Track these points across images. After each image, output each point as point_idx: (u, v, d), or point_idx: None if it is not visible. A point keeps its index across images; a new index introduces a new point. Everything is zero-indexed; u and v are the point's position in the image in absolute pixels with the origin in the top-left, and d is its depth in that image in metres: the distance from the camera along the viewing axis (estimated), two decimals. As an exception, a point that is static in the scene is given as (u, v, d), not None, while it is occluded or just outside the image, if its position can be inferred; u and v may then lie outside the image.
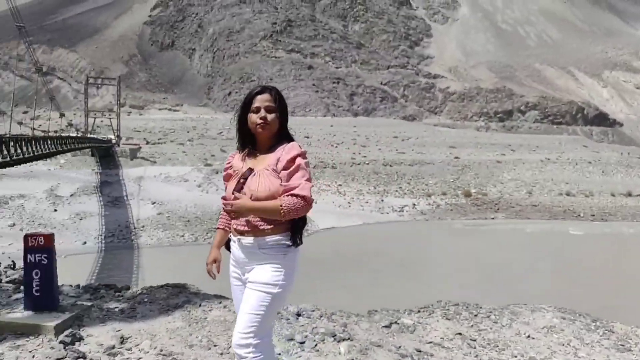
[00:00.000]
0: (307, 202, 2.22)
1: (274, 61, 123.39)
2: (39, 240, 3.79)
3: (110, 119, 69.37)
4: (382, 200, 44.02)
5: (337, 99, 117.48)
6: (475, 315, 4.82)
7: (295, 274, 2.39)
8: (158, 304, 4.26)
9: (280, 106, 2.38)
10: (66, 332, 3.40)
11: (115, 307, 4.09)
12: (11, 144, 19.88)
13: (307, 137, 74.65)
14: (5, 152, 19.28)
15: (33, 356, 3.03)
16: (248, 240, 2.33)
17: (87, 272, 26.36)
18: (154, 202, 44.78)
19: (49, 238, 3.88)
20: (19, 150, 21.74)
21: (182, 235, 38.28)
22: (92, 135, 62.36)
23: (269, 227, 2.28)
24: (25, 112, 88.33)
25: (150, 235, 38.03)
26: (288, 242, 2.35)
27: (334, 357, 3.43)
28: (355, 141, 72.96)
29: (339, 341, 3.64)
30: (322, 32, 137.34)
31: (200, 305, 4.23)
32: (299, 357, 3.39)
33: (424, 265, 24.63)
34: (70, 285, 4.97)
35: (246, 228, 2.31)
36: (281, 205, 2.20)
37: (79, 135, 58.05)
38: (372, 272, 21.73)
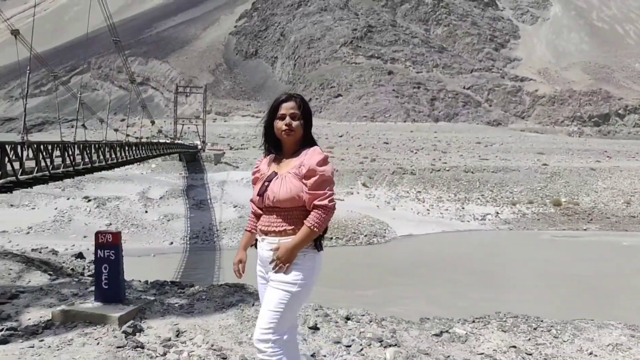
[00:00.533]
0: (328, 209, 2.35)
1: (354, 67, 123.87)
2: (108, 237, 4.08)
3: (196, 125, 72.95)
4: (463, 208, 42.74)
5: (418, 104, 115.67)
6: (535, 329, 4.52)
7: (316, 275, 2.43)
8: (214, 302, 4.43)
9: (304, 113, 2.46)
10: (129, 323, 3.64)
11: (176, 303, 4.30)
12: (107, 149, 21.51)
13: (387, 143, 74.11)
14: (101, 157, 20.91)
15: (97, 343, 3.26)
16: (271, 240, 2.38)
17: (172, 270, 27.84)
18: (236, 206, 46.48)
19: (117, 236, 4.17)
20: (114, 155, 23.49)
21: (262, 239, 39.58)
22: (180, 141, 65.89)
23: (290, 227, 2.36)
24: (123, 120, 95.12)
25: (231, 238, 39.50)
26: (310, 245, 2.41)
27: (379, 362, 3.39)
28: (435, 147, 71.40)
29: (385, 347, 3.59)
30: (403, 36, 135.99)
31: (253, 305, 4.34)
32: None
33: (502, 276, 23.57)
34: (139, 281, 5.28)
35: (270, 228, 2.38)
36: (311, 226, 2.33)
37: (168, 141, 61.57)
38: (446, 281, 21.13)
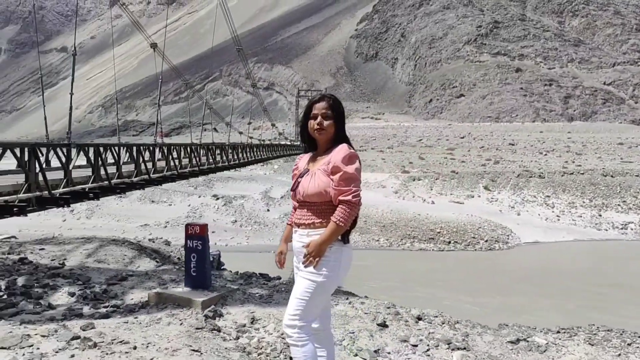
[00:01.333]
0: (352, 204, 2.42)
1: (478, 66, 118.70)
2: (196, 229, 4.43)
3: (317, 128, 75.02)
4: (600, 215, 39.04)
5: (549, 103, 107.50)
6: (629, 344, 3.98)
7: (344, 267, 2.44)
8: (288, 293, 4.59)
9: (336, 113, 2.55)
10: (210, 308, 3.93)
11: (257, 293, 4.53)
12: (229, 150, 23.07)
13: (512, 144, 69.99)
14: (224, 158, 22.48)
15: (180, 323, 3.57)
16: (302, 232, 2.47)
17: (288, 267, 28.91)
18: (351, 207, 47.19)
19: (204, 228, 4.50)
20: (236, 156, 25.12)
21: (378, 240, 39.48)
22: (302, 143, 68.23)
23: (318, 220, 2.43)
24: (250, 123, 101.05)
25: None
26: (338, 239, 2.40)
27: (444, 365, 3.26)
28: (569, 148, 65.86)
29: (453, 349, 3.43)
30: (533, 31, 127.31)
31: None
32: (408, 359, 3.30)
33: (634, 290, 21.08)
34: (230, 271, 5.63)
35: (300, 221, 2.47)
36: (336, 221, 2.41)
37: (289, 143, 64.10)
38: (580, 292, 19.44)
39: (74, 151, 11.23)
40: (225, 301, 4.21)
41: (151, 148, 15.16)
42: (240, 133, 42.99)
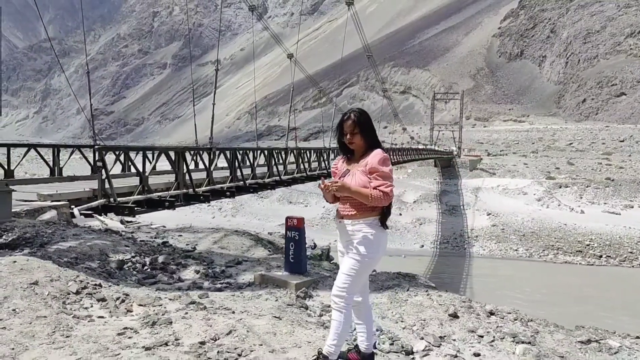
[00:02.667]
0: (388, 196, 2.94)
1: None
2: (294, 221, 5.11)
3: (452, 131, 73.02)
4: None
5: None
6: None
7: (382, 250, 3.08)
8: (376, 284, 4.96)
9: (361, 127, 3.04)
10: (302, 289, 4.55)
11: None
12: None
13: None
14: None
15: (275, 300, 4.21)
16: (346, 221, 2.97)
17: (419, 272, 28.60)
18: (489, 214, 45.09)
19: (300, 221, 5.17)
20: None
21: (516, 250, 37.39)
22: (435, 147, 66.99)
23: (357, 212, 2.92)
24: (385, 127, 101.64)
25: (482, 246, 38.57)
26: (373, 225, 3.00)
27: (506, 356, 3.38)
28: None
29: (517, 343, 3.53)
30: None
31: (407, 290, 4.72)
32: (472, 347, 3.50)
33: None
34: (329, 261, 6.21)
35: (343, 212, 3.00)
36: (371, 195, 2.92)
37: (424, 147, 63.26)
38: None
39: (215, 154, 12.87)
40: (317, 285, 4.81)
41: (282, 152, 16.46)
42: (383, 141, 43.67)
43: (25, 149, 12.35)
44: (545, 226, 41.20)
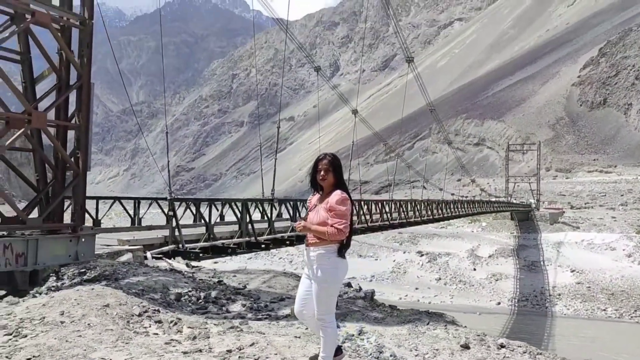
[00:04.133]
0: (342, 232, 3.50)
1: None
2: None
3: (530, 183, 70.64)
4: None
5: None
6: None
7: (341, 273, 3.65)
8: (400, 318, 5.38)
9: (333, 167, 3.65)
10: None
11: (373, 315, 5.48)
12: (423, 206, 24.08)
13: None
14: (418, 213, 23.55)
15: (306, 328, 4.82)
16: (310, 248, 3.67)
17: (495, 331, 27.26)
18: (574, 270, 42.70)
19: None
20: (433, 212, 25.98)
21: (604, 309, 34.84)
22: (511, 200, 64.96)
23: (318, 241, 3.54)
24: (459, 180, 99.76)
25: (566, 305, 36.30)
26: (330, 253, 3.57)
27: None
28: None
29: None
30: None
31: (427, 324, 5.07)
32: None
33: None
34: (362, 299, 6.65)
35: (310, 241, 3.65)
36: (327, 232, 3.50)
37: (496, 199, 61.63)
38: None
39: (276, 205, 13.78)
40: (345, 318, 5.28)
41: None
42: (441, 189, 43.38)
43: (110, 201, 13.94)
44: (637, 284, 38.39)
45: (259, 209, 14.45)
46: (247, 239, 11.84)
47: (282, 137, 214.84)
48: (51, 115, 7.05)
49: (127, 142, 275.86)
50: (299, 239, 13.92)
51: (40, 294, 5.74)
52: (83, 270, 6.84)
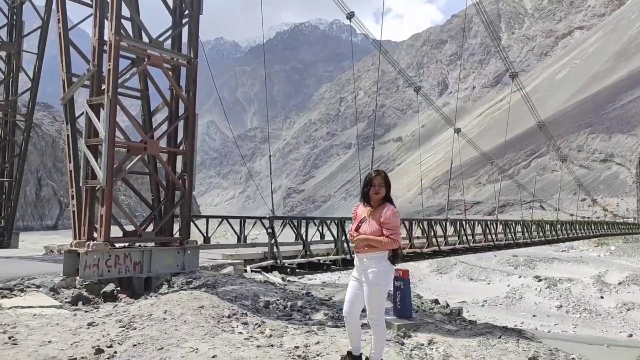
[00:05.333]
0: (396, 242, 3.92)
1: None
2: (399, 272, 5.94)
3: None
4: None
5: None
6: None
7: (389, 279, 4.01)
8: (473, 331, 5.37)
9: (385, 184, 3.99)
10: (402, 330, 5.28)
11: (447, 328, 5.54)
12: (532, 227, 22.90)
13: None
14: (534, 234, 22.45)
15: (381, 336, 5.12)
16: (362, 255, 3.99)
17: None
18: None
19: (405, 273, 5.98)
20: (546, 233, 24.61)
21: None
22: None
23: (370, 249, 3.93)
24: (583, 200, 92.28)
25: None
26: (382, 259, 3.93)
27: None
28: None
29: None
30: None
31: (499, 337, 5.02)
32: None
33: None
34: (441, 313, 6.66)
35: (361, 249, 3.92)
36: (382, 242, 3.87)
37: (625, 221, 56.24)
38: None
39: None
40: (418, 329, 5.42)
41: (444, 223, 16.96)
42: (557, 210, 40.73)
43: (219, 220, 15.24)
44: None
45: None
46: (342, 256, 12.28)
47: (390, 157, 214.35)
48: (164, 142, 8.13)
49: (242, 166, 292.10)
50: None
51: (151, 296, 6.64)
52: (190, 279, 7.74)
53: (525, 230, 22.35)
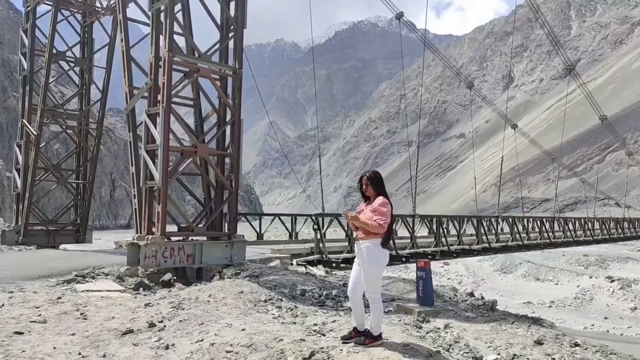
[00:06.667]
0: (381, 226, 4.44)
1: None
2: (421, 264, 6.36)
3: None
4: None
5: None
6: None
7: (382, 261, 4.54)
8: (488, 317, 5.68)
9: (371, 181, 4.68)
10: (422, 316, 5.72)
11: (466, 315, 5.89)
12: (597, 223, 22.16)
13: None
14: (597, 232, 21.81)
15: (399, 320, 5.54)
16: (359, 241, 4.55)
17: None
18: None
19: (427, 263, 6.38)
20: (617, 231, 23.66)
21: None
22: None
23: (366, 235, 4.35)
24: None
25: None
26: (375, 244, 4.48)
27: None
28: None
29: None
30: None
31: (512, 323, 5.30)
32: None
33: None
34: (467, 302, 6.95)
35: (359, 236, 4.47)
36: (370, 224, 4.44)
37: None
38: None
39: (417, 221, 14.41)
40: (437, 315, 5.81)
41: (493, 220, 16.94)
42: (628, 207, 38.84)
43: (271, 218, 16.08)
44: None
45: (406, 225, 15.20)
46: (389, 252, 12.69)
47: (453, 154, 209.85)
48: (214, 146, 8.96)
49: (303, 166, 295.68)
50: (443, 254, 14.32)
51: (201, 284, 7.44)
52: (238, 271, 8.52)
53: (587, 227, 21.70)
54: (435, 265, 48.17)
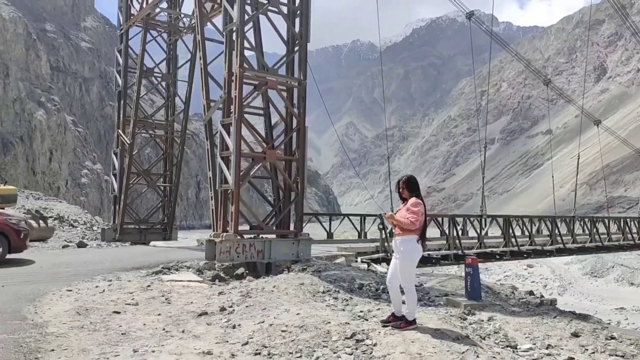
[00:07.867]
0: (413, 223, 4.92)
1: None
2: (469, 260, 6.69)
3: None
4: None
5: None
6: None
7: (417, 253, 4.95)
8: (532, 312, 5.91)
9: (406, 185, 5.22)
10: (467, 308, 6.09)
11: (513, 310, 6.17)
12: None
13: None
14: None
15: (446, 312, 5.97)
16: (396, 238, 5.03)
17: None
18: None
19: (474, 260, 6.69)
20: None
21: None
22: None
23: (402, 232, 4.67)
24: None
25: None
26: (411, 240, 4.93)
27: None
28: None
29: (612, 355, 4.07)
30: None
31: (554, 317, 5.48)
32: (572, 353, 4.26)
33: None
34: (516, 299, 7.12)
35: (396, 233, 4.77)
36: (403, 222, 4.92)
37: None
38: None
39: (486, 221, 14.41)
40: (483, 308, 6.12)
41: (568, 220, 16.49)
42: None
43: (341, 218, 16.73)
44: None
45: (472, 225, 15.26)
46: (454, 251, 12.93)
47: (539, 152, 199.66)
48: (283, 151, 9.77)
49: (381, 166, 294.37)
50: (513, 255, 14.26)
51: (269, 277, 8.25)
52: (305, 266, 9.27)
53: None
54: (518, 267, 46.39)
